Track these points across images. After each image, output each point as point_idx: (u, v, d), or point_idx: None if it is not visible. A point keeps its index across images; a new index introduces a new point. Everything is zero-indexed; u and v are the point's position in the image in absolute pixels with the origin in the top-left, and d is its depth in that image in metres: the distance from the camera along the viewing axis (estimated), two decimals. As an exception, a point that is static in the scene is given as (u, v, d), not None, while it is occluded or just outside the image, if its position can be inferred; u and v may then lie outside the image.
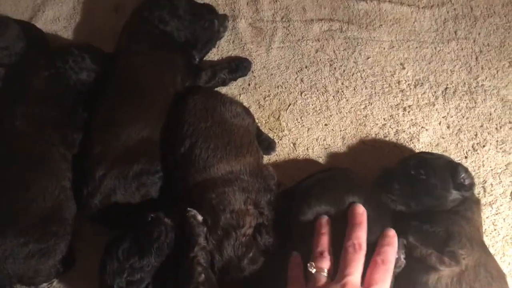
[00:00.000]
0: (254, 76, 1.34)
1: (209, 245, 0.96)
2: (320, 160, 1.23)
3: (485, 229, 1.12)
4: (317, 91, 1.31)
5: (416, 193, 1.05)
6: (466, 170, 1.07)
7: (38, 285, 1.08)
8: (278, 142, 1.25)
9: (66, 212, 1.10)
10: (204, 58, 1.36)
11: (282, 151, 1.24)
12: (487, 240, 1.10)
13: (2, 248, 1.02)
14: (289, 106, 1.30)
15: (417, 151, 1.21)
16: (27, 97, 1.16)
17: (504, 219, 1.15)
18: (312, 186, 1.08)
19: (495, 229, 1.14)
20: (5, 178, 1.08)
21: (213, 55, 1.38)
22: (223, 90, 1.31)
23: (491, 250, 1.08)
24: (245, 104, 1.29)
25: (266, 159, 1.23)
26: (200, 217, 0.97)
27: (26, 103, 1.15)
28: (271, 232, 1.02)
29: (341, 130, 1.26)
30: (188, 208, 0.97)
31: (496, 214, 1.15)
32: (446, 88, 1.29)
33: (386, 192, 1.07)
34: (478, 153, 1.21)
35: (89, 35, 1.44)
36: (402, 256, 0.98)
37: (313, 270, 0.90)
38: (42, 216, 1.06)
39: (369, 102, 1.29)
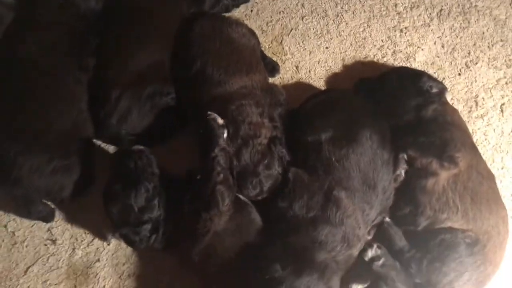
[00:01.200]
0: (256, 2, 1.38)
1: (230, 149, 1.02)
2: (322, 82, 1.29)
3: (476, 139, 1.21)
4: (318, 15, 1.36)
5: (382, 96, 1.15)
6: (433, 78, 1.15)
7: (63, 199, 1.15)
8: (282, 65, 1.31)
9: (85, 132, 1.16)
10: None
11: (286, 74, 1.30)
12: (479, 149, 1.18)
13: (29, 164, 1.08)
14: (291, 30, 1.35)
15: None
16: (39, 25, 1.19)
17: (494, 129, 1.23)
18: (316, 108, 1.15)
19: (485, 139, 1.22)
20: (26, 103, 1.13)
21: (216, -17, 1.41)
22: (226, 16, 1.35)
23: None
24: (249, 30, 1.33)
25: (270, 81, 1.28)
26: (220, 120, 1.02)
27: (38, 31, 1.18)
28: (284, 144, 1.09)
29: (341, 53, 1.32)
30: (209, 112, 1.02)
31: (487, 125, 1.23)
32: (441, 10, 1.35)
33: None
34: (471, 70, 1.28)
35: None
36: (402, 171, 1.07)
37: None
38: (63, 135, 1.12)
39: (367, 25, 1.34)
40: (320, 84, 1.29)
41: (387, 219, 1.06)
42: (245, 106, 1.08)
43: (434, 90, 1.12)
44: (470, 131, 1.20)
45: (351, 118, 1.07)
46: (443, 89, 1.14)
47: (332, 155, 1.03)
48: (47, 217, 1.16)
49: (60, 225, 1.17)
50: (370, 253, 0.99)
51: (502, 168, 1.19)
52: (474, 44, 1.31)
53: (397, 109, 1.13)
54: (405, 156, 1.07)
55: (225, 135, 1.02)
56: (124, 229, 1.04)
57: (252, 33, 1.25)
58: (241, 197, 1.04)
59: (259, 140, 1.05)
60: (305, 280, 0.86)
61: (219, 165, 0.97)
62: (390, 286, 0.97)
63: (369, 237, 1.06)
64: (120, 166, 1.05)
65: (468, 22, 1.33)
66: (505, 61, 1.29)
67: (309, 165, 1.05)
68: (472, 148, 1.10)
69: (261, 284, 0.88)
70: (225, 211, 0.96)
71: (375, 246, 0.99)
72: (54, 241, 1.16)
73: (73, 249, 1.15)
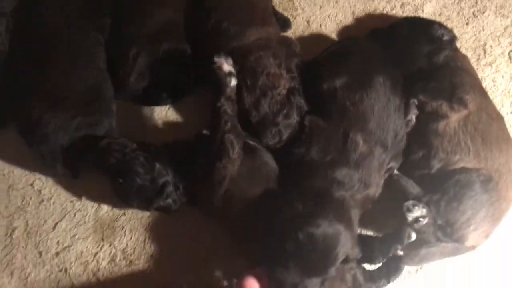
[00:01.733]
0: (265, -41, 1.39)
1: (247, 101, 1.07)
2: (333, 35, 1.32)
3: (485, 86, 1.24)
4: (327, -31, 1.38)
5: (394, 45, 1.18)
6: (444, 26, 1.18)
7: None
8: (293, 20, 1.33)
9: (105, 91, 1.19)
10: None
11: (297, 29, 1.33)
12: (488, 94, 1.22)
13: (54, 122, 1.11)
14: (301, -14, 1.37)
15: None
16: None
17: (502, 76, 1.26)
18: (330, 57, 1.18)
19: (494, 85, 1.26)
20: (47, 65, 1.16)
21: None
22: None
23: (491, 104, 1.20)
24: (258, -14, 1.35)
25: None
26: (226, 66, 1.01)
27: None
28: (301, 94, 1.12)
29: (351, 6, 1.34)
30: (215, 58, 1.01)
31: (496, 72, 1.27)
32: (447, -39, 1.37)
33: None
34: (478, 19, 1.31)
35: None
36: (413, 117, 1.10)
37: None
38: (85, 94, 1.16)
39: (376, -22, 1.36)
40: (331, 37, 1.31)
41: (396, 171, 1.09)
42: (263, 57, 1.11)
43: (446, 37, 1.15)
44: (479, 78, 1.23)
45: (364, 64, 1.10)
46: (453, 37, 1.17)
47: (346, 100, 1.06)
48: (73, 174, 1.19)
49: (85, 182, 1.21)
50: (416, 213, 0.98)
51: (511, 113, 1.22)
52: (481, -7, 1.33)
53: (409, 57, 1.16)
54: (416, 101, 1.10)
55: (233, 83, 1.01)
56: (154, 205, 1.07)
57: None
58: (250, 142, 1.06)
59: (278, 91, 1.08)
60: (325, 213, 0.89)
61: (226, 114, 0.98)
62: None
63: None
64: (108, 168, 1.07)
65: (475, -28, 1.35)
66: (512, 9, 1.31)
67: (325, 112, 1.07)
68: (481, 92, 1.13)
69: (282, 222, 0.91)
70: (236, 157, 0.98)
71: (421, 205, 0.99)
72: (80, 197, 1.20)
73: (99, 204, 1.19)
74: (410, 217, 0.97)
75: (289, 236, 0.86)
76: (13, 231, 1.18)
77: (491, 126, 1.07)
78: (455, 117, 1.07)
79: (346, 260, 0.91)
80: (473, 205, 1.01)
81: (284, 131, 1.08)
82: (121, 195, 1.09)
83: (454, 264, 1.07)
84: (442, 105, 1.07)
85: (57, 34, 1.20)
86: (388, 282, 1.01)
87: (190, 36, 1.23)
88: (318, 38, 1.32)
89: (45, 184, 1.22)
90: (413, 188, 1.07)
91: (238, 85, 1.04)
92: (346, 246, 0.88)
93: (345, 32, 1.32)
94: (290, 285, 0.85)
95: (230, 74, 1.01)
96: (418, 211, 0.98)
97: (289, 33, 1.32)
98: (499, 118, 1.11)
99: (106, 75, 1.21)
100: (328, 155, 1.02)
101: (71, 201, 1.20)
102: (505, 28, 1.30)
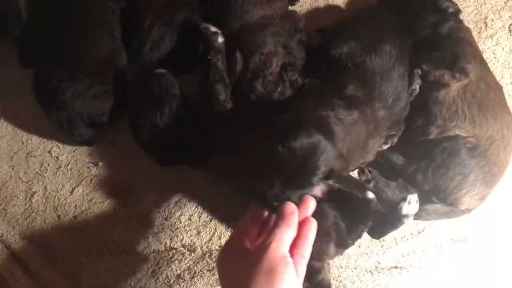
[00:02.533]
0: None
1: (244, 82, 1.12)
2: (341, 8, 1.35)
3: (486, 58, 1.28)
4: None
5: (401, 12, 1.22)
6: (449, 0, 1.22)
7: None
8: (299, -4, 1.36)
9: (120, 60, 1.23)
10: None
11: (305, 1, 1.36)
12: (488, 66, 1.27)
13: (72, 90, 1.15)
14: (308, -41, 1.40)
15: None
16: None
17: (503, 48, 1.31)
18: (339, 26, 1.22)
19: (495, 57, 1.30)
20: (64, 33, 1.21)
21: None
22: None
23: (491, 76, 1.25)
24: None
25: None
26: (213, 28, 1.13)
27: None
28: (296, 69, 1.14)
29: (357, -23, 1.37)
30: (202, 24, 1.14)
31: (496, 44, 1.31)
32: None
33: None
34: (480, -7, 1.35)
35: None
36: (417, 86, 1.15)
37: None
38: (101, 63, 1.20)
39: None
40: (338, 10, 1.35)
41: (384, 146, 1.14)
42: (260, 37, 1.14)
43: (451, 9, 1.19)
44: (480, 50, 1.28)
45: (374, 32, 1.14)
46: (458, 10, 1.22)
47: (349, 62, 1.10)
48: (90, 141, 1.24)
49: (101, 149, 1.25)
50: (363, 177, 1.09)
51: (511, 83, 1.27)
52: (484, -33, 1.37)
53: (415, 25, 1.21)
54: (419, 71, 1.15)
55: (220, 39, 1.13)
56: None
57: None
58: None
59: (270, 70, 1.12)
60: (305, 125, 0.88)
61: (215, 67, 1.09)
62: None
63: (386, 146, 1.14)
64: (144, 88, 1.14)
65: None
66: (513, -17, 1.36)
67: (326, 75, 1.12)
68: (482, 62, 1.18)
69: (263, 139, 0.91)
70: (224, 100, 1.10)
71: (366, 170, 1.09)
72: (96, 164, 1.24)
73: (115, 170, 1.24)
74: (361, 180, 1.09)
75: (270, 151, 0.86)
76: (32, 195, 1.23)
77: (488, 94, 1.12)
78: (455, 86, 1.12)
79: (331, 176, 0.90)
80: (461, 170, 1.06)
81: None
82: (134, 119, 1.16)
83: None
84: (445, 74, 1.12)
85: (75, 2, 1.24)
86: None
87: (202, 9, 1.26)
88: (325, 10, 1.36)
89: (62, 151, 1.26)
90: (399, 159, 1.13)
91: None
92: (327, 155, 0.86)
93: (353, 3, 1.35)
94: (272, 196, 0.83)
95: (216, 33, 1.13)
96: (364, 176, 1.09)
97: (297, 6, 1.36)
98: (497, 87, 1.16)
99: (120, 44, 1.24)
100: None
101: (88, 167, 1.25)
102: (506, 2, 1.34)
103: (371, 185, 1.08)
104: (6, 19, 1.26)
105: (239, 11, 1.19)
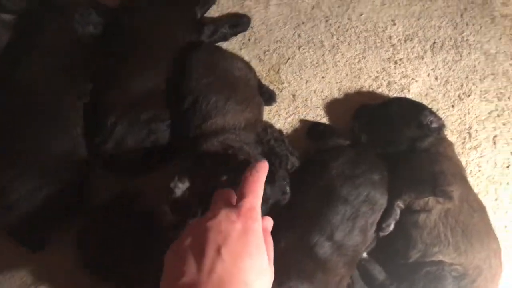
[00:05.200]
0: (253, 31, 1.39)
1: None
2: (318, 110, 1.30)
3: (470, 171, 1.22)
4: (314, 45, 1.38)
5: (381, 123, 1.17)
6: (434, 114, 1.16)
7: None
8: (278, 94, 1.31)
9: (80, 158, 1.15)
10: (205, 15, 1.40)
11: (283, 102, 1.31)
12: (472, 180, 1.20)
13: (21, 190, 1.06)
14: (288, 60, 1.36)
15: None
16: (37, 48, 1.19)
17: (487, 161, 1.24)
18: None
19: (479, 170, 1.23)
20: (22, 128, 1.12)
21: (213, 12, 1.42)
22: (223, 44, 1.36)
23: (476, 190, 1.17)
24: (246, 58, 1.34)
25: (267, 109, 1.29)
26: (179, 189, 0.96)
27: (36, 54, 1.18)
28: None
29: (337, 82, 1.33)
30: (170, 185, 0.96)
31: (481, 157, 1.25)
32: (434, 43, 1.38)
33: (357, 124, 1.20)
34: (463, 102, 1.30)
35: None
36: (393, 223, 1.06)
37: None
38: (57, 160, 1.11)
39: (362, 56, 1.36)
40: (316, 112, 1.29)
41: (365, 254, 1.06)
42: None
43: (434, 125, 1.14)
44: (464, 163, 1.21)
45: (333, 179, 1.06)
46: (442, 125, 1.16)
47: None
48: (38, 246, 1.12)
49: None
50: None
51: (496, 200, 1.20)
52: (467, 77, 1.33)
53: (394, 138, 1.15)
54: (401, 204, 1.06)
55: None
56: None
57: (249, 66, 1.25)
58: None
59: None
60: None
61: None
62: None
63: None
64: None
65: (460, 56, 1.36)
66: (496, 94, 1.32)
67: None
68: (463, 180, 1.10)
69: None
70: None
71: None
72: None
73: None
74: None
75: None
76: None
77: (472, 217, 1.04)
78: (437, 209, 1.04)
79: None
80: None
81: None
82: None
83: None
84: (429, 201, 1.04)
85: (35, 94, 1.15)
86: None
87: (171, 109, 1.19)
88: (303, 112, 1.30)
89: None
90: (380, 274, 1.04)
91: None
92: None
93: (331, 107, 1.30)
94: None
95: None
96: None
97: (275, 107, 1.30)
98: (480, 208, 1.08)
99: (81, 141, 1.16)
100: None
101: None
102: (490, 113, 1.29)
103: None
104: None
105: (201, 119, 1.10)
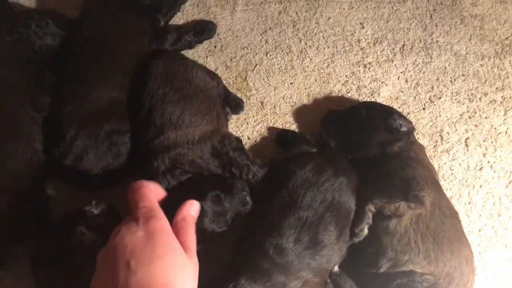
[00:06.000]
0: (219, 38, 1.37)
1: None
2: (287, 117, 1.27)
3: (443, 174, 1.20)
4: (282, 51, 1.35)
5: (350, 128, 1.14)
6: (403, 117, 1.14)
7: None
8: (246, 101, 1.28)
9: (39, 172, 1.10)
10: (170, 22, 1.37)
11: (251, 110, 1.28)
12: (445, 184, 1.18)
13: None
14: (255, 66, 1.33)
15: (378, 104, 1.27)
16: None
17: (460, 164, 1.22)
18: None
19: (452, 174, 1.21)
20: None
21: (178, 19, 1.39)
22: (189, 52, 1.34)
23: (449, 193, 1.16)
24: (212, 65, 1.32)
25: (235, 117, 1.26)
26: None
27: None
28: None
29: (306, 88, 1.30)
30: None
31: (453, 160, 1.23)
32: (403, 45, 1.36)
33: (325, 130, 1.17)
34: (435, 105, 1.28)
35: (52, 2, 1.42)
36: (366, 227, 1.02)
37: None
38: (16, 176, 1.06)
39: (331, 61, 1.34)
40: (285, 119, 1.27)
41: (336, 268, 1.02)
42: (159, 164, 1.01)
43: (404, 128, 1.11)
44: (436, 166, 1.19)
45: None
46: (411, 128, 1.14)
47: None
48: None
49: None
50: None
51: (469, 203, 1.17)
52: (437, 79, 1.31)
53: (363, 143, 1.12)
54: (372, 207, 1.02)
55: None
56: None
57: (211, 76, 1.21)
58: None
59: None
60: None
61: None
62: None
63: None
64: None
65: (431, 57, 1.34)
66: (468, 95, 1.30)
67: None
68: (435, 185, 1.07)
69: None
70: None
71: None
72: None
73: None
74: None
75: None
76: None
77: (443, 224, 1.00)
78: (408, 215, 1.00)
79: None
80: None
81: None
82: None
83: None
84: (400, 206, 1.00)
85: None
86: None
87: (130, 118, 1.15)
88: (271, 119, 1.27)
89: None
90: (352, 287, 1.01)
91: None
92: None
93: (300, 114, 1.28)
94: None
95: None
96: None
97: (243, 114, 1.27)
98: (452, 214, 1.04)
99: (41, 156, 1.12)
100: None
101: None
102: (461, 115, 1.27)
103: None
104: None
105: (154, 131, 1.06)
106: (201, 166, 1.01)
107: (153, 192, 0.74)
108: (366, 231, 1.02)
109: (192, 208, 0.75)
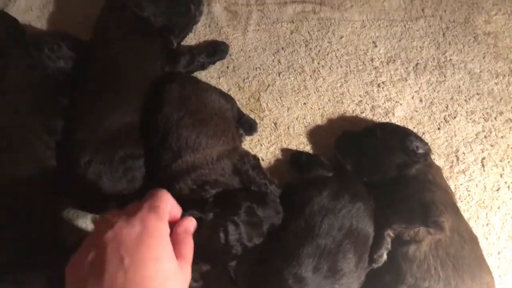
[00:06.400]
0: (232, 59, 1.36)
1: None
2: (301, 138, 1.26)
3: (460, 195, 1.19)
4: (295, 71, 1.34)
5: (365, 150, 1.13)
6: (420, 139, 1.13)
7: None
8: (260, 122, 1.27)
9: (52, 198, 1.09)
10: (182, 43, 1.37)
11: (264, 131, 1.27)
12: (462, 205, 1.17)
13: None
14: (268, 87, 1.32)
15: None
16: (4, 87, 1.14)
17: (476, 185, 1.21)
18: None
19: (469, 195, 1.20)
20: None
21: (191, 39, 1.39)
22: (202, 73, 1.33)
23: (466, 215, 1.14)
24: (225, 87, 1.31)
25: (249, 139, 1.25)
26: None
27: (3, 92, 1.13)
28: None
29: (319, 108, 1.30)
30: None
31: (469, 180, 1.21)
32: (417, 64, 1.35)
33: (340, 153, 1.15)
34: (450, 124, 1.27)
35: (63, 23, 1.42)
36: (385, 253, 1.01)
37: None
38: (26, 202, 1.05)
39: (345, 80, 1.33)
40: (299, 140, 1.26)
41: None
42: (182, 189, 1.01)
43: (420, 150, 1.10)
44: (453, 187, 1.18)
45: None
46: (428, 150, 1.13)
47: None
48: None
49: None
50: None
51: (487, 225, 1.16)
52: (452, 98, 1.30)
53: (379, 166, 1.11)
54: (391, 233, 1.02)
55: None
56: None
57: (226, 97, 1.20)
58: None
59: None
60: None
61: None
62: None
63: None
64: None
65: (444, 76, 1.33)
66: (483, 114, 1.29)
67: None
68: (453, 208, 1.06)
69: None
70: None
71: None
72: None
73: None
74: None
75: None
76: None
77: (463, 249, 0.99)
78: (427, 241, 0.99)
79: None
80: None
81: None
82: None
83: None
84: (419, 231, 0.99)
85: (5, 132, 1.10)
86: None
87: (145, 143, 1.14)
88: (285, 140, 1.26)
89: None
90: None
91: None
92: None
93: (314, 134, 1.27)
94: None
95: None
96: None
97: (256, 136, 1.26)
98: (471, 239, 1.03)
99: (55, 181, 1.11)
100: None
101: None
102: (477, 134, 1.26)
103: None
104: None
105: (171, 156, 1.06)
106: (225, 183, 1.01)
107: (170, 200, 0.68)
108: (385, 256, 1.01)
109: (191, 224, 0.72)
